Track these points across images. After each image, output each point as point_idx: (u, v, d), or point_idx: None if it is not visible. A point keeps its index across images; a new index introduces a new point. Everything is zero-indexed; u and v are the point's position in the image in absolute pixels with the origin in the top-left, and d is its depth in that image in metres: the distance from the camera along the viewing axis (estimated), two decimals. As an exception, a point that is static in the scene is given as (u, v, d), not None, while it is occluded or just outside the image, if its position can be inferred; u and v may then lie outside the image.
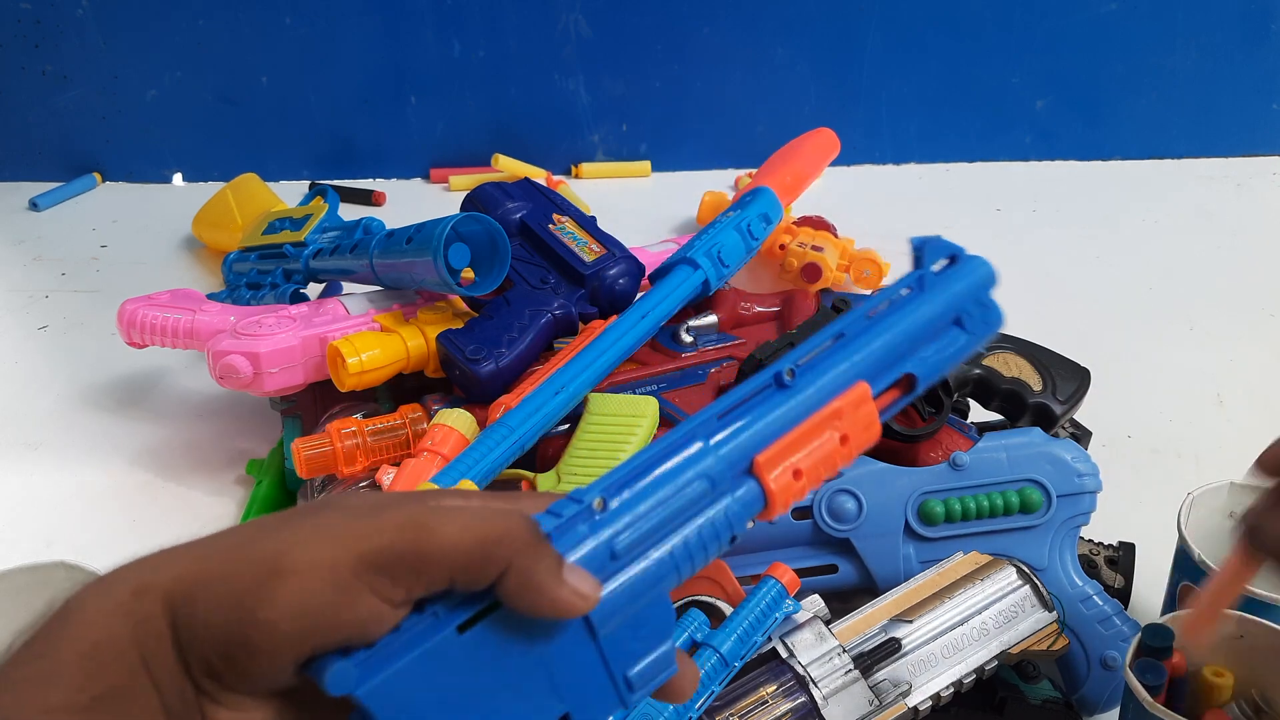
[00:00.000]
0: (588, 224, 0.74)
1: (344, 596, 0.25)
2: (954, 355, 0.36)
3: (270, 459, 0.71)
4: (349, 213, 1.04)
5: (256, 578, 0.25)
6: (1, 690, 0.24)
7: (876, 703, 0.48)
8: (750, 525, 0.32)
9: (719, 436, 0.31)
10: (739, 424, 0.31)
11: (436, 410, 0.63)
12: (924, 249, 0.37)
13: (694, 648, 0.49)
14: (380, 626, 0.26)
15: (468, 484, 0.54)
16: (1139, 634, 0.47)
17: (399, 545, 0.26)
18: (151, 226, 1.08)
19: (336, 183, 1.15)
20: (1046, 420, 0.64)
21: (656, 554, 0.30)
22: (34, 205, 1.11)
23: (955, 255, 0.37)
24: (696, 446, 0.31)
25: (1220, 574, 0.42)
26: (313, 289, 0.83)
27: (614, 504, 0.29)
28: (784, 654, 0.49)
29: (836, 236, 0.91)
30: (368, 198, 1.13)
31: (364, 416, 0.64)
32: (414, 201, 1.13)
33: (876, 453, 0.60)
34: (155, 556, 0.27)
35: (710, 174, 1.17)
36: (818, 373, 0.33)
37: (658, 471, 0.30)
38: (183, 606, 0.25)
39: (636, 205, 1.11)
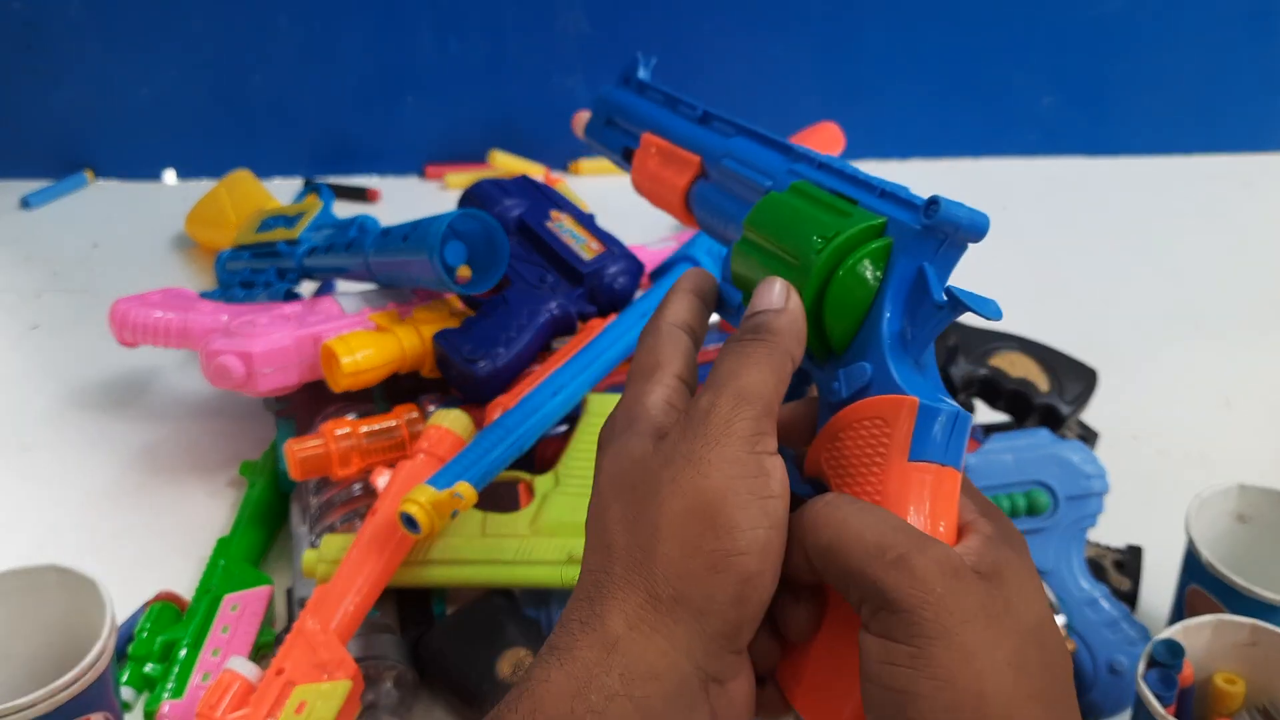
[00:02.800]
0: (586, 221, 0.73)
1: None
2: None
3: (264, 461, 0.70)
4: (343, 210, 1.03)
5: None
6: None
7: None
8: None
9: None
10: None
11: (433, 411, 0.62)
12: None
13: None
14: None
15: (465, 487, 0.53)
16: (1150, 645, 0.46)
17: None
18: (144, 224, 1.07)
19: (331, 180, 1.14)
20: (1053, 421, 0.63)
21: None
22: (25, 203, 1.10)
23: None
24: None
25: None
26: (307, 287, 0.82)
27: None
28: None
29: (838, 234, 0.90)
30: (362, 195, 1.12)
31: (358, 417, 0.63)
32: (409, 199, 1.12)
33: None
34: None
35: (711, 171, 1.16)
36: None
37: None
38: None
39: (636, 202, 1.09)
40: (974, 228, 0.31)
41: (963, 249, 0.31)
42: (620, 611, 0.29)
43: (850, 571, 0.28)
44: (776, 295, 0.32)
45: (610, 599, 0.29)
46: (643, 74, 0.47)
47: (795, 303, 0.32)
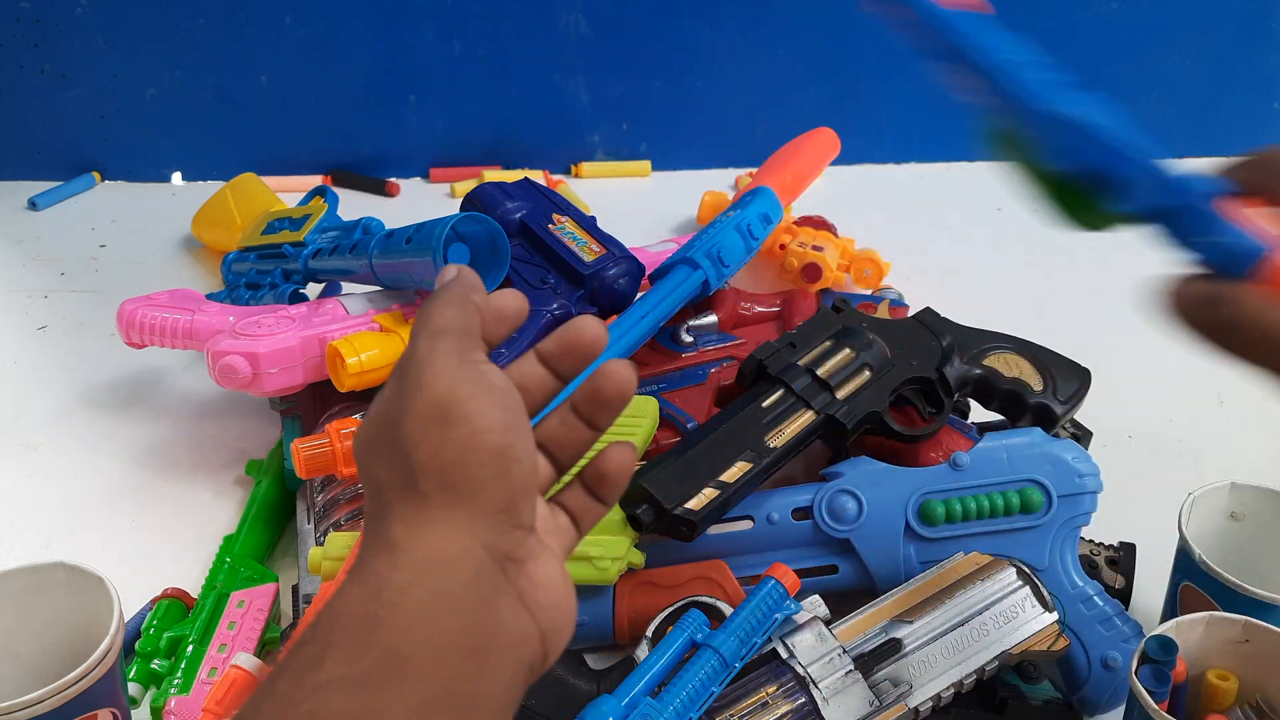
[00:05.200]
0: (587, 224, 0.73)
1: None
2: None
3: (270, 459, 0.71)
4: (361, 204, 1.04)
5: None
6: None
7: (877, 703, 0.47)
8: None
9: None
10: None
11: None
12: None
13: (694, 648, 0.48)
14: None
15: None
16: (1143, 641, 0.47)
17: None
18: (151, 226, 1.08)
19: (351, 174, 1.15)
20: (1047, 420, 0.63)
21: None
22: (33, 205, 1.11)
23: None
24: None
25: None
26: (312, 289, 0.83)
27: None
28: (784, 654, 0.49)
29: (837, 236, 0.91)
30: (381, 187, 1.13)
31: (363, 416, 0.64)
32: (413, 200, 1.13)
33: (877, 453, 0.60)
34: None
35: (710, 174, 1.17)
36: None
37: None
38: None
39: (636, 205, 1.11)
40: None
41: None
42: (398, 520, 0.30)
43: None
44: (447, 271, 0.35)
45: (388, 517, 0.30)
46: None
47: (457, 267, 0.35)
